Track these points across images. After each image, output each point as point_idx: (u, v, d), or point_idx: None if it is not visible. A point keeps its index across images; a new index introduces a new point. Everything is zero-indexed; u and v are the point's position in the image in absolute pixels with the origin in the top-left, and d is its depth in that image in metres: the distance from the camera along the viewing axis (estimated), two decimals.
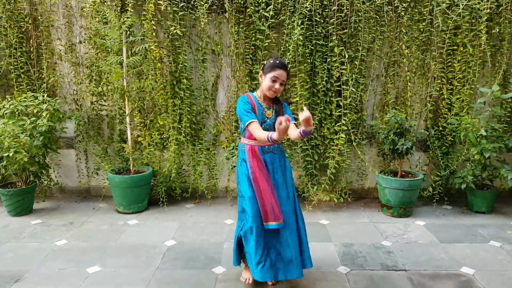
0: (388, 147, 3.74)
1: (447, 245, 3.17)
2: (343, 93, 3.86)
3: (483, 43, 3.78)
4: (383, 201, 3.89)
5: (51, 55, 4.12)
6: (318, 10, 3.74)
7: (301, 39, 3.67)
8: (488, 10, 3.74)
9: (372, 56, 4.00)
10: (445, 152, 4.15)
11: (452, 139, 4.06)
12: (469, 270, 2.75)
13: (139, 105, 4.12)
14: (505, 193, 4.31)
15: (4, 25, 3.93)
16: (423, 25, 3.90)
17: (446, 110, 4.06)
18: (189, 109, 4.03)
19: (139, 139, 4.10)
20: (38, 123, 3.71)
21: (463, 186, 3.81)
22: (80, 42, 4.13)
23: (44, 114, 3.74)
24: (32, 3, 4.03)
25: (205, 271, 2.75)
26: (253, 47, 3.91)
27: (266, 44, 3.81)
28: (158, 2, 3.76)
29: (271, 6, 3.74)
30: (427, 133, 4.12)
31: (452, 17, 3.79)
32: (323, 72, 3.84)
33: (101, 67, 3.76)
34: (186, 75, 3.97)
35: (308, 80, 3.91)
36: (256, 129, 2.26)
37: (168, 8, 3.77)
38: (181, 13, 3.83)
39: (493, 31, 3.84)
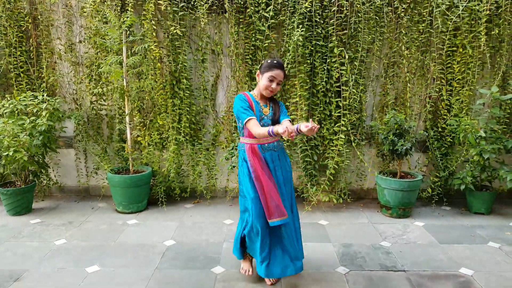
0: (388, 147, 3.75)
1: (446, 246, 3.17)
2: (342, 94, 3.87)
3: (482, 44, 3.78)
4: (382, 201, 3.89)
5: (51, 55, 4.12)
6: (318, 11, 3.75)
7: (301, 39, 3.68)
8: (488, 12, 3.75)
9: (371, 57, 4.00)
10: (444, 153, 4.15)
11: (451, 140, 4.07)
12: (468, 271, 2.76)
13: (138, 105, 4.12)
14: (504, 194, 4.31)
15: (4, 24, 3.93)
16: (422, 26, 3.91)
17: (446, 111, 4.07)
18: (188, 109, 4.03)
19: (139, 139, 4.10)
20: (38, 123, 3.71)
21: (462, 187, 3.81)
22: (80, 41, 4.13)
23: (43, 113, 3.74)
24: (32, 2, 4.03)
25: (204, 271, 2.75)
26: (253, 48, 3.91)
27: (266, 44, 3.81)
28: (158, 2, 3.76)
29: (271, 7, 3.74)
30: (426, 134, 4.12)
31: (452, 19, 3.80)
32: (322, 72, 3.84)
33: (101, 67, 3.75)
34: (185, 75, 3.97)
35: (308, 80, 3.91)
36: (254, 126, 2.28)
37: (168, 8, 3.78)
38: (181, 13, 3.83)
39: (492, 32, 3.85)
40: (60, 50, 4.13)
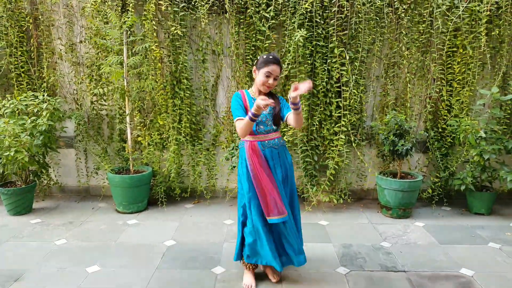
0: (388, 148, 3.75)
1: (446, 247, 3.17)
2: (343, 94, 3.87)
3: (482, 45, 3.79)
4: (383, 202, 3.89)
5: (51, 55, 4.12)
6: (318, 11, 3.75)
7: (301, 40, 3.68)
8: (488, 12, 3.75)
9: (372, 57, 4.00)
10: (445, 154, 4.15)
11: (451, 141, 4.07)
12: (468, 271, 2.76)
13: (139, 105, 4.13)
14: (504, 195, 4.31)
15: (5, 24, 3.93)
16: (423, 26, 3.91)
17: (446, 111, 4.07)
18: (189, 109, 4.03)
19: (139, 139, 4.10)
20: (38, 122, 3.71)
21: (463, 187, 3.81)
22: (81, 41, 4.14)
23: (44, 113, 3.75)
24: (33, 2, 4.04)
25: (204, 271, 2.75)
26: (253, 48, 3.91)
27: (267, 44, 3.81)
28: (159, 2, 3.77)
29: (272, 7, 3.75)
30: (427, 134, 4.12)
31: (452, 19, 3.80)
32: (323, 73, 3.84)
33: (102, 68, 3.76)
34: (186, 75, 3.97)
35: None
36: (239, 122, 2.27)
37: (169, 8, 3.78)
38: (182, 13, 3.83)
39: (492, 33, 3.85)
40: (60, 50, 4.13)
